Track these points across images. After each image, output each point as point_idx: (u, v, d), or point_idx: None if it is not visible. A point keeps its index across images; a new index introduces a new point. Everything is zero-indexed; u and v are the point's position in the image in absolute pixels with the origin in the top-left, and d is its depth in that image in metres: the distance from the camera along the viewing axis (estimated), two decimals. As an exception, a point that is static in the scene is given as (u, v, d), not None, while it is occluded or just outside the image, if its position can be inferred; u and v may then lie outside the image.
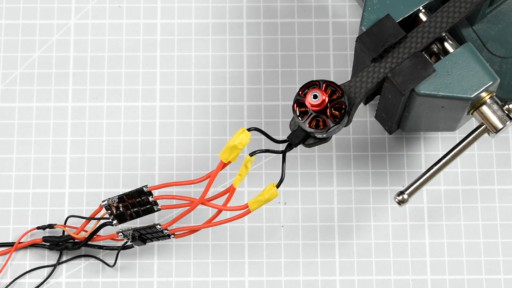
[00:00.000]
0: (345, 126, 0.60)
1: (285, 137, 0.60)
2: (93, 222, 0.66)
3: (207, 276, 0.67)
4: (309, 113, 0.58)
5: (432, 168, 0.62)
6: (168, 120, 0.71)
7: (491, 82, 0.59)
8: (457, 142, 0.63)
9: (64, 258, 0.68)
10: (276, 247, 0.68)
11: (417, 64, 0.59)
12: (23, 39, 0.73)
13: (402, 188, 0.67)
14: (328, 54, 0.72)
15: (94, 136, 0.70)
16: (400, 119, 0.64)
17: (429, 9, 0.61)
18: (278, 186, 0.59)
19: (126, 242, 0.66)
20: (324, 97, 0.57)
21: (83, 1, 0.73)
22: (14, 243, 0.67)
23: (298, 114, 0.58)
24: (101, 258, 0.68)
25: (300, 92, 0.59)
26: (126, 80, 0.72)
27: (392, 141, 0.70)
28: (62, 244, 0.67)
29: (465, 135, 0.63)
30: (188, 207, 0.62)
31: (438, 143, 0.70)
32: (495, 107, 0.60)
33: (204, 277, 0.67)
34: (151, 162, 0.70)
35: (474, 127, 0.62)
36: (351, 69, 0.69)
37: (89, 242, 0.66)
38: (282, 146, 0.60)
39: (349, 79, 0.62)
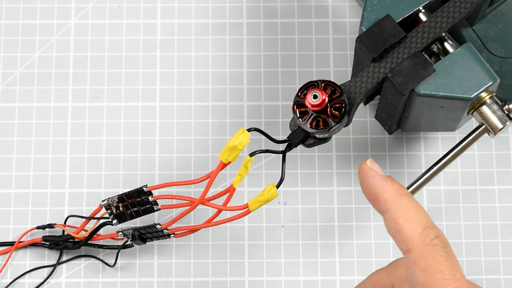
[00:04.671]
0: (345, 126, 0.60)
1: (285, 137, 0.60)
2: (93, 222, 0.66)
3: (207, 276, 0.67)
4: (310, 114, 0.58)
5: (432, 168, 0.62)
6: (168, 120, 0.71)
7: (491, 82, 0.59)
8: (457, 142, 0.63)
9: (64, 258, 0.68)
10: (276, 247, 0.68)
11: (417, 64, 0.59)
12: (23, 39, 0.73)
13: (402, 188, 0.67)
14: (328, 54, 0.72)
15: (94, 136, 0.70)
16: (400, 119, 0.64)
17: (429, 9, 0.61)
18: (278, 186, 0.59)
19: (126, 241, 0.66)
20: (324, 97, 0.57)
21: (83, 1, 0.73)
22: (14, 242, 0.67)
23: (298, 115, 0.58)
24: (101, 258, 0.68)
25: (300, 93, 0.59)
26: (126, 80, 0.72)
27: (392, 141, 0.70)
28: (62, 244, 0.67)
29: (465, 135, 0.63)
30: (188, 207, 0.62)
31: (438, 143, 0.70)
32: (495, 107, 0.60)
33: (204, 277, 0.67)
34: (151, 162, 0.70)
35: (474, 127, 0.62)
36: (351, 69, 0.69)
37: (89, 242, 0.67)
38: (282, 146, 0.60)
39: (349, 79, 0.62)
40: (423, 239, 0.48)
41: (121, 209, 0.63)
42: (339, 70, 0.71)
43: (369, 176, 0.51)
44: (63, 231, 0.67)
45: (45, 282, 0.67)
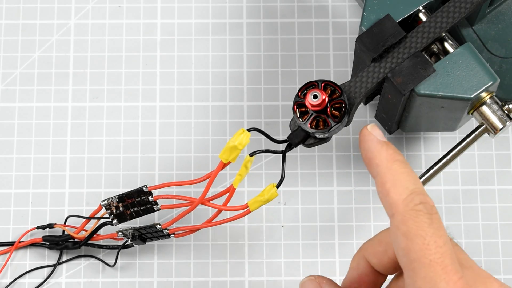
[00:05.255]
0: (345, 126, 0.60)
1: (285, 137, 0.60)
2: (93, 222, 0.66)
3: (207, 276, 0.67)
4: (310, 114, 0.58)
5: (432, 168, 0.62)
6: (168, 120, 0.71)
7: (491, 82, 0.59)
8: (457, 142, 0.63)
9: (64, 258, 0.68)
10: (276, 247, 0.68)
11: (417, 64, 0.59)
12: (23, 39, 0.73)
13: (402, 188, 0.67)
14: (328, 54, 0.72)
15: (94, 136, 0.70)
16: (400, 119, 0.64)
17: (429, 9, 0.61)
18: (278, 186, 0.59)
19: (126, 241, 0.66)
20: (324, 97, 0.57)
21: (83, 1, 0.73)
22: (14, 242, 0.67)
23: (298, 115, 0.58)
24: (101, 258, 0.68)
25: (300, 93, 0.59)
26: (126, 80, 0.72)
27: (392, 141, 0.70)
28: (62, 244, 0.67)
29: (465, 135, 0.63)
30: (188, 207, 0.62)
31: (438, 143, 0.70)
32: (495, 107, 0.60)
33: (204, 277, 0.67)
34: (151, 162, 0.70)
35: (474, 127, 0.62)
36: (351, 69, 0.69)
37: (89, 242, 0.67)
38: (282, 146, 0.60)
39: (349, 79, 0.62)
40: (407, 204, 0.48)
41: (121, 209, 0.63)
42: (339, 70, 0.71)
43: (367, 139, 0.52)
44: (63, 231, 0.67)
45: (45, 282, 0.67)
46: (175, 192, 0.68)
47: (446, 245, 0.47)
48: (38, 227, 0.68)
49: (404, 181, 0.49)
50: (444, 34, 0.61)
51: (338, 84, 0.59)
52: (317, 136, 0.59)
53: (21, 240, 0.68)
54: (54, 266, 0.68)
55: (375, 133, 0.52)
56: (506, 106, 0.61)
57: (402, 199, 0.48)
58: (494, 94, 0.60)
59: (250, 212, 0.60)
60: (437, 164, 0.62)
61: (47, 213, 0.69)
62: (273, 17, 0.73)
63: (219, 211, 0.62)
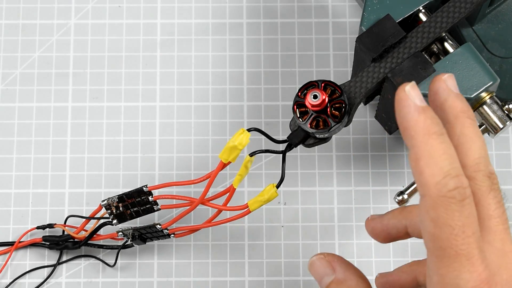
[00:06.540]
0: (345, 126, 0.60)
1: (285, 137, 0.60)
2: (93, 222, 0.66)
3: (207, 276, 0.68)
4: (310, 114, 0.58)
5: (432, 168, 0.62)
6: (168, 120, 0.71)
7: (491, 82, 0.59)
8: (457, 142, 0.63)
9: (64, 258, 0.68)
10: (276, 247, 0.68)
11: (417, 64, 0.59)
12: (23, 39, 0.73)
13: (402, 188, 0.67)
14: (328, 54, 0.72)
15: (94, 136, 0.70)
16: (400, 119, 0.64)
17: (429, 9, 0.61)
18: (278, 186, 0.59)
19: (126, 241, 0.66)
20: (324, 97, 0.57)
21: (83, 1, 0.73)
22: (14, 242, 0.67)
23: (298, 115, 0.58)
24: (101, 258, 0.68)
25: (300, 93, 0.59)
26: (126, 80, 0.72)
27: (392, 141, 0.70)
28: (62, 244, 0.67)
29: (465, 135, 0.63)
30: (188, 207, 0.62)
31: (438, 143, 0.70)
32: (495, 107, 0.60)
33: (204, 277, 0.67)
34: (151, 162, 0.70)
35: (474, 127, 0.62)
36: (351, 69, 0.69)
37: (89, 242, 0.67)
38: (282, 146, 0.60)
39: (349, 79, 0.62)
40: (440, 189, 0.45)
41: (121, 209, 0.63)
42: (339, 70, 0.71)
43: (403, 105, 0.46)
44: (63, 231, 0.67)
45: (45, 282, 0.67)
46: (175, 192, 0.68)
47: (474, 235, 0.45)
48: (38, 227, 0.68)
49: (440, 160, 0.45)
50: (444, 34, 0.61)
51: (338, 84, 0.59)
52: (317, 136, 0.59)
53: (21, 240, 0.68)
54: (54, 266, 0.68)
55: (412, 95, 0.46)
56: (506, 106, 0.61)
57: (436, 182, 0.45)
58: (494, 94, 0.60)
59: (250, 212, 0.60)
60: (437, 164, 0.62)
61: (47, 213, 0.69)
62: (273, 17, 0.73)
63: (219, 211, 0.62)
